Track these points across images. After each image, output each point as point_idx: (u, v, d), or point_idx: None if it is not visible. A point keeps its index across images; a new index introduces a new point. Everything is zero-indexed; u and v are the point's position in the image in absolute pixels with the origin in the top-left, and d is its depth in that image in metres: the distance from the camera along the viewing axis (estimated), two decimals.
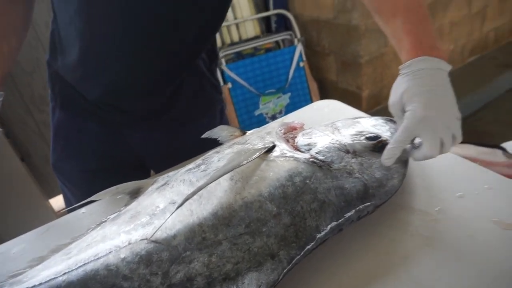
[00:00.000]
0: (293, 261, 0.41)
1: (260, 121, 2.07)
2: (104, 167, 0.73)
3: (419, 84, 0.46)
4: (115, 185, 0.54)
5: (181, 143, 0.73)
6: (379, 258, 0.44)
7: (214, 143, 0.62)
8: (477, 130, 1.96)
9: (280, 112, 2.08)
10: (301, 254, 0.41)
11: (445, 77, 0.48)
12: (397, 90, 0.48)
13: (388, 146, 0.48)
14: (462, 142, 1.61)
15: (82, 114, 0.69)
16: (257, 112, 2.05)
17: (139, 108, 0.68)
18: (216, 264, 0.41)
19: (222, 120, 0.80)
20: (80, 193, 0.73)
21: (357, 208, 0.45)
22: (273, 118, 2.07)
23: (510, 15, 2.56)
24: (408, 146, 0.49)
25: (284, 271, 0.40)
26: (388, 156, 0.48)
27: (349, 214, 0.44)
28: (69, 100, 0.68)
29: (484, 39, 2.48)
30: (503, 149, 1.40)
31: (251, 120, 2.06)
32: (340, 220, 0.44)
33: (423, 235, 0.46)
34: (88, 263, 0.42)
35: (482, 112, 2.11)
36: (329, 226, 0.43)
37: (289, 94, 2.06)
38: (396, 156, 0.48)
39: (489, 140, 1.62)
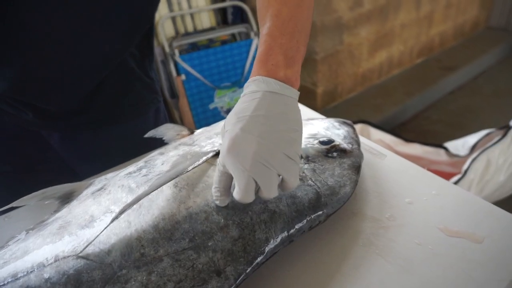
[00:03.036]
0: (241, 277, 0.38)
1: (215, 115, 2.02)
2: (24, 169, 0.65)
3: (238, 111, 0.39)
4: (41, 189, 0.48)
5: (106, 146, 0.66)
6: (329, 269, 0.43)
7: (152, 145, 0.56)
8: (423, 130, 2.07)
9: None
10: (249, 269, 0.38)
11: (282, 105, 0.39)
12: None
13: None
14: (408, 141, 1.66)
15: None
16: (212, 106, 2.00)
17: (52, 106, 0.59)
18: (156, 284, 0.36)
19: (158, 122, 0.71)
20: None
21: (309, 218, 0.43)
22: (228, 112, 2.02)
23: (454, 21, 2.72)
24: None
25: None
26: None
27: (300, 224, 0.42)
28: None
29: (430, 42, 2.62)
30: (446, 149, 1.48)
31: (205, 114, 2.01)
32: (291, 231, 0.42)
33: (373, 244, 0.45)
34: (3, 285, 0.37)
35: (427, 112, 2.22)
36: (279, 238, 0.41)
37: None
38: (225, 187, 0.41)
39: (433, 139, 1.71)
